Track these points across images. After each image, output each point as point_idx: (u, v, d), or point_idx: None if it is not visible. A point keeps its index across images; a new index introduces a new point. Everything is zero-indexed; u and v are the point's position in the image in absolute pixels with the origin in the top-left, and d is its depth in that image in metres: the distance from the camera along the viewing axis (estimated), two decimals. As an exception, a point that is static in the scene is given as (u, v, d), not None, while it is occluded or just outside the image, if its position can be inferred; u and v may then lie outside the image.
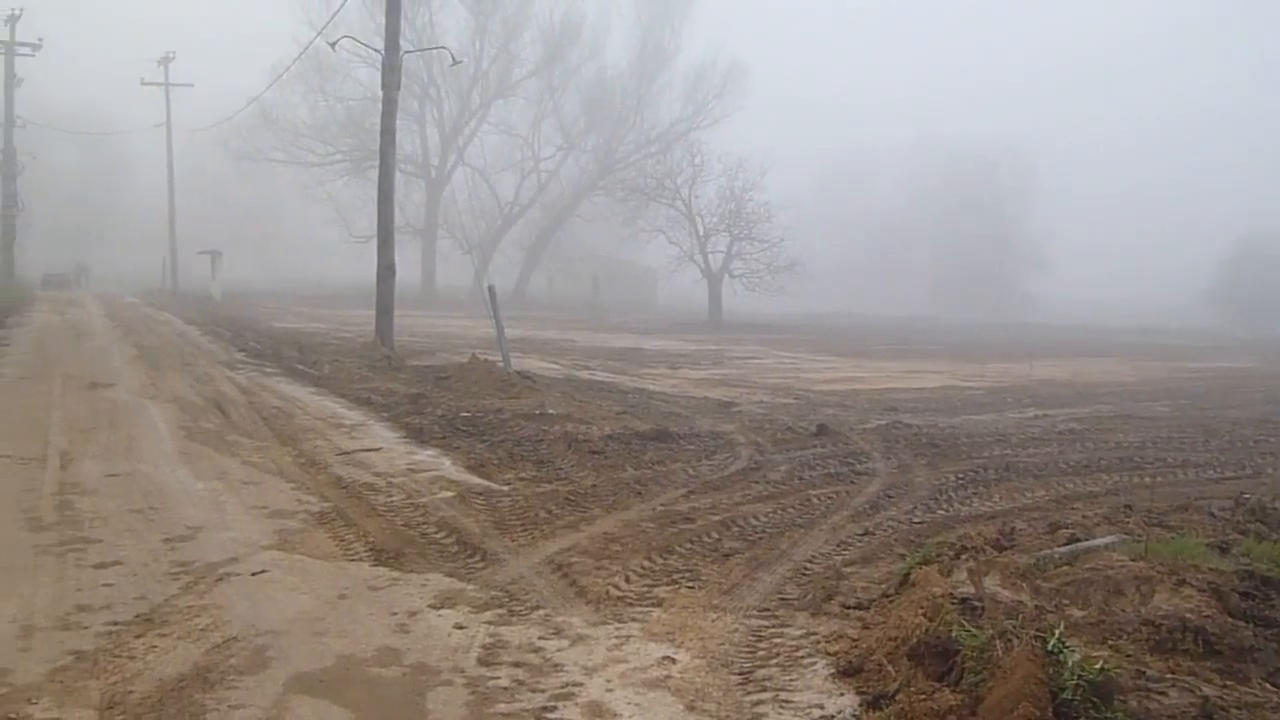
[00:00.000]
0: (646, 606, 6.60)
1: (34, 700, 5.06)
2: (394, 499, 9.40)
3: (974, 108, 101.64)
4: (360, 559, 7.54)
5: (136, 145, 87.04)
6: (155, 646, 5.75)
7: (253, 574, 7.08)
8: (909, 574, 6.50)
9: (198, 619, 6.19)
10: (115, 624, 6.08)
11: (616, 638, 6.04)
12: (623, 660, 5.72)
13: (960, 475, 11.15)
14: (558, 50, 73.69)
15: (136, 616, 6.21)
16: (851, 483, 10.59)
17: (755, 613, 6.50)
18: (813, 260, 55.18)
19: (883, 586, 6.84)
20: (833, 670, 5.57)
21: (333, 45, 29.90)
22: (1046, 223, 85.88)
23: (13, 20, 63.31)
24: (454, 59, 34.78)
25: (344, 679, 5.41)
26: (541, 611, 6.45)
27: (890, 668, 5.31)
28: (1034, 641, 4.76)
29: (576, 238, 75.79)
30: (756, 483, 10.41)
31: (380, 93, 26.59)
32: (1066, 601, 5.67)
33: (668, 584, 7.06)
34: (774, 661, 5.73)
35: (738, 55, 73.91)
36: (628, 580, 7.11)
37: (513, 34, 73.44)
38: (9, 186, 63.67)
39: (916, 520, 9.10)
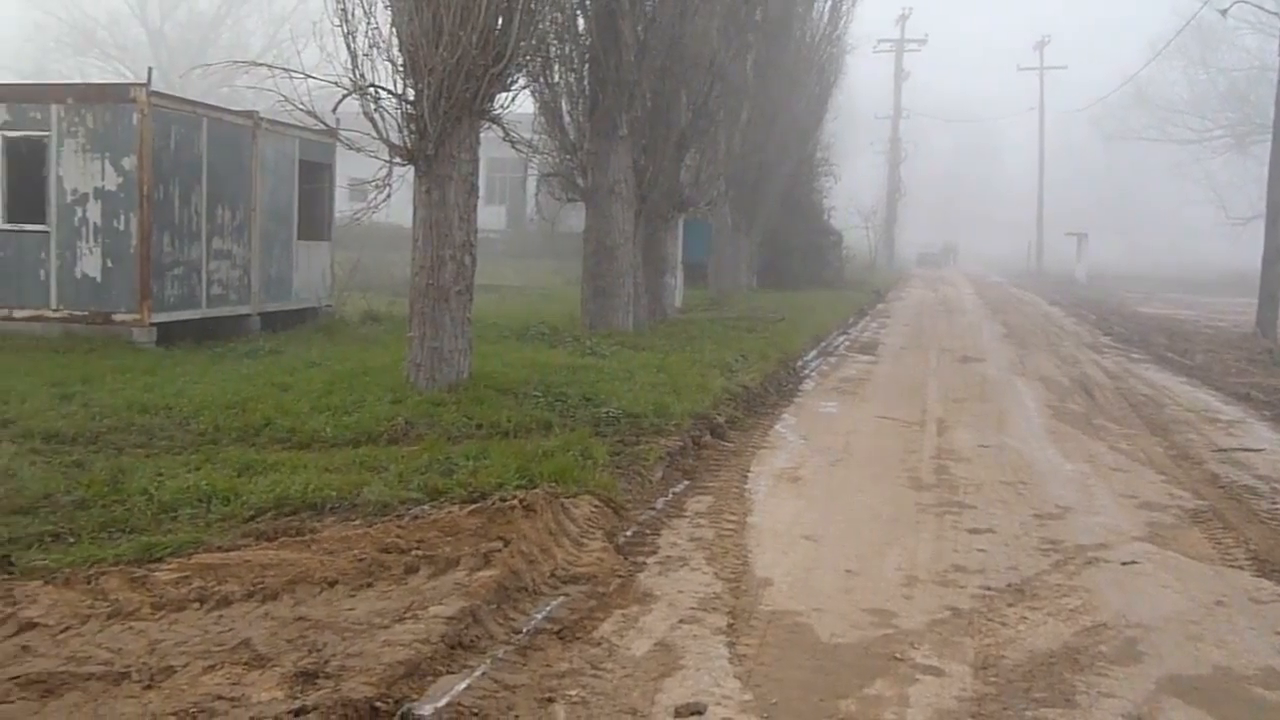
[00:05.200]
0: None
1: (915, 646, 5.44)
2: (1279, 506, 8.56)
3: None
4: (1239, 566, 6.97)
5: (1005, 129, 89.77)
6: (1026, 618, 5.86)
7: (1123, 563, 6.91)
8: None
9: (1067, 599, 6.19)
10: (988, 589, 6.31)
11: None
12: None
13: None
14: None
15: (1008, 585, 6.39)
16: None
17: None
18: None
19: None
20: None
21: (1223, 13, 27.97)
22: None
23: (902, 20, 69.05)
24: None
25: (1222, 691, 5.04)
26: None
27: None
28: None
29: None
30: None
31: (1272, 60, 24.33)
32: None
33: None
34: None
35: None
36: None
37: None
38: (894, 173, 69.65)
39: None
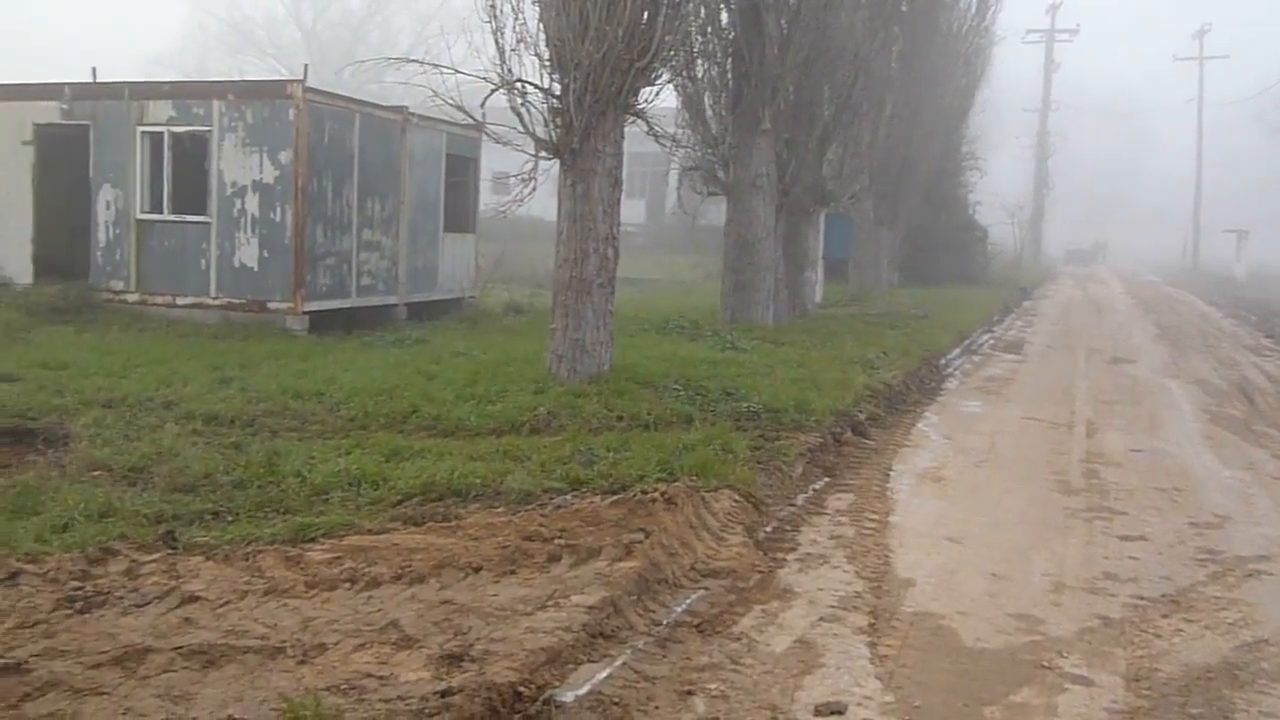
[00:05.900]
0: None
1: (1064, 654, 5.28)
2: None
3: None
4: None
5: (1158, 123, 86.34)
6: (1181, 630, 5.65)
7: (1286, 576, 6.61)
8: None
9: (1225, 612, 5.95)
10: (1140, 598, 6.10)
11: None
12: None
13: None
14: None
15: (1162, 595, 6.16)
16: None
17: None
18: None
19: None
20: None
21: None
22: None
23: (1053, 9, 66.88)
24: None
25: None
26: None
27: None
28: None
29: None
30: None
31: None
32: None
33: None
34: None
35: None
36: None
37: None
38: (1041, 167, 67.65)
39: None
